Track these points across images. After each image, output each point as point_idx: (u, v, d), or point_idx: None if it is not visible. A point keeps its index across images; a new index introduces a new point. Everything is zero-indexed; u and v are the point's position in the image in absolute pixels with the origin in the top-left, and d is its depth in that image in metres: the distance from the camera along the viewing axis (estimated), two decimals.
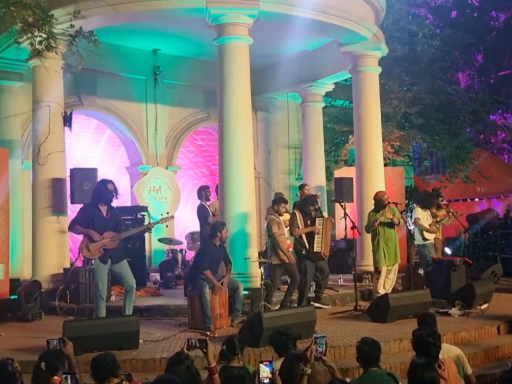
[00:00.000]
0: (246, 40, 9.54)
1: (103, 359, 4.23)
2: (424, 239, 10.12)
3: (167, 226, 10.97)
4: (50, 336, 4.85)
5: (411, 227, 10.72)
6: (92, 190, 7.95)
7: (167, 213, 10.07)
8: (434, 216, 10.40)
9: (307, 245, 8.86)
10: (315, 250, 8.85)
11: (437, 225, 10.33)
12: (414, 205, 11.61)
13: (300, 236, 8.92)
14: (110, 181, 7.63)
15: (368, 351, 4.37)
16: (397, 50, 14.03)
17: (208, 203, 10.18)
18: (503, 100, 18.27)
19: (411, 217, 11.02)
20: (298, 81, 13.24)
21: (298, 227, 8.92)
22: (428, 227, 10.01)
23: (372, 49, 11.42)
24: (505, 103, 18.82)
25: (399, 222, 9.49)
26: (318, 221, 8.96)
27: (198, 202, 10.31)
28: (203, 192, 10.26)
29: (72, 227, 7.62)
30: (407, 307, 8.08)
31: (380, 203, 9.48)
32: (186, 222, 13.37)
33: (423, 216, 10.06)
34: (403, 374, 5.44)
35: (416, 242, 10.33)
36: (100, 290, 7.46)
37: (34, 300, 8.81)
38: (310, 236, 8.90)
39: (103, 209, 7.47)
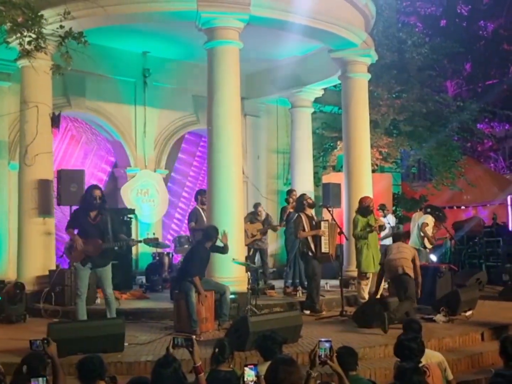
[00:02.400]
0: (236, 44, 9.55)
1: (90, 361, 4.19)
2: (423, 245, 10.26)
3: (154, 234, 11.03)
4: (34, 338, 4.80)
5: (415, 231, 10.77)
6: (82, 195, 7.96)
7: (154, 233, 10.27)
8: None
9: (313, 247, 8.99)
10: (323, 250, 9.08)
11: (437, 239, 10.54)
12: (417, 213, 11.82)
13: (306, 239, 9.06)
14: (96, 187, 7.64)
15: (344, 357, 4.38)
16: (386, 57, 14.10)
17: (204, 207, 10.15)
18: (490, 109, 18.38)
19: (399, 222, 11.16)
20: (287, 86, 13.28)
21: (304, 230, 9.03)
22: (430, 236, 10.13)
23: (361, 55, 11.48)
24: (492, 112, 18.93)
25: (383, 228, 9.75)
26: (323, 224, 9.22)
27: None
28: (199, 197, 10.29)
29: (67, 230, 7.70)
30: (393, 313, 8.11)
31: (367, 209, 9.54)
32: None
33: (431, 225, 10.16)
34: (387, 379, 5.48)
35: (412, 244, 10.41)
36: (78, 289, 7.48)
37: (19, 302, 8.75)
38: (316, 238, 9.09)
39: (92, 213, 7.46)
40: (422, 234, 10.35)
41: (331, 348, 3.86)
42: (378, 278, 8.79)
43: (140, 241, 8.26)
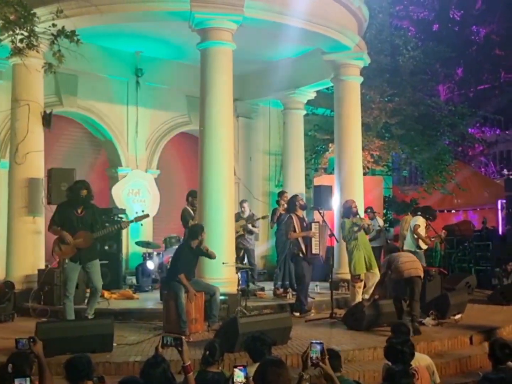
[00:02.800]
0: (229, 45, 9.55)
1: (78, 361, 4.16)
2: (418, 247, 10.30)
3: (141, 225, 10.99)
4: (20, 337, 4.77)
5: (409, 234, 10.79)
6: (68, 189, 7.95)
7: (142, 211, 10.09)
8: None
9: (303, 248, 9.00)
10: (313, 251, 9.13)
11: (432, 239, 10.54)
12: (407, 217, 11.81)
13: (297, 240, 9.09)
14: (83, 182, 7.64)
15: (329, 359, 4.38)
16: (379, 60, 14.15)
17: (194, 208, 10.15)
18: (482, 114, 18.50)
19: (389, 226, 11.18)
20: (280, 88, 13.28)
21: (294, 231, 9.05)
22: (424, 237, 10.14)
23: (354, 58, 11.51)
24: (483, 116, 19.06)
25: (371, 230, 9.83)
26: (314, 225, 9.26)
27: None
28: (190, 198, 10.30)
29: (50, 228, 7.66)
30: (382, 316, 8.13)
31: (349, 210, 9.60)
32: None
33: (423, 226, 10.18)
34: (376, 381, 5.50)
35: (406, 247, 10.47)
36: (67, 289, 7.47)
37: (7, 301, 8.70)
38: (307, 239, 9.13)
39: (79, 208, 7.46)
40: (415, 236, 10.37)
41: (323, 350, 3.86)
42: (378, 284, 8.59)
43: (132, 221, 8.14)
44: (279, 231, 10.51)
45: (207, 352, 4.71)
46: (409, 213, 12.31)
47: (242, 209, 11.28)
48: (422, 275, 8.29)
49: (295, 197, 9.65)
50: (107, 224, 8.51)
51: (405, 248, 10.62)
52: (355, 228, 9.38)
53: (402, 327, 5.64)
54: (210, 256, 8.15)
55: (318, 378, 4.03)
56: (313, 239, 9.16)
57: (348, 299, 9.80)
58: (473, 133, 20.99)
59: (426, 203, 13.85)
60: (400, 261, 8.17)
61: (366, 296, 9.64)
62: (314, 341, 3.91)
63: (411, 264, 8.22)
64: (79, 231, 7.43)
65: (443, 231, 11.66)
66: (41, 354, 4.29)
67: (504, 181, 16.64)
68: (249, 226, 11.12)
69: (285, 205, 10.69)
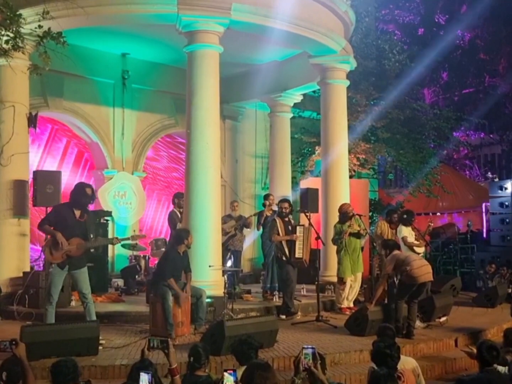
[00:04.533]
0: (216, 48, 9.56)
1: (64, 364, 4.13)
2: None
3: (136, 244, 10.88)
4: (2, 339, 4.72)
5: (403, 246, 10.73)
6: (71, 191, 7.51)
7: (140, 230, 9.95)
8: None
9: (287, 252, 9.02)
10: (297, 256, 9.13)
11: (423, 239, 10.48)
12: (381, 221, 11.67)
13: (281, 243, 9.11)
14: (89, 185, 7.49)
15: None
16: (365, 64, 14.23)
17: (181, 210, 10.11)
18: (466, 118, 18.66)
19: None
20: (267, 91, 13.31)
21: (278, 234, 9.06)
22: (416, 242, 10.12)
23: (340, 62, 11.56)
24: (468, 120, 19.22)
25: (366, 234, 9.68)
26: (299, 229, 9.26)
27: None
28: (176, 200, 10.29)
29: (41, 226, 7.32)
30: (380, 321, 8.04)
31: (345, 215, 9.63)
32: None
33: (409, 233, 10.14)
34: None
35: None
36: (51, 295, 7.24)
37: None
38: (290, 243, 9.13)
39: (77, 212, 7.26)
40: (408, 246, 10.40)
41: (314, 355, 3.86)
42: (380, 287, 8.24)
43: (128, 239, 8.01)
44: (264, 234, 10.51)
45: (192, 358, 4.70)
46: (380, 218, 12.18)
47: (234, 207, 11.29)
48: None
49: (283, 203, 9.63)
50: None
51: None
52: (337, 236, 9.48)
53: (387, 330, 5.66)
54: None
55: (304, 381, 4.03)
56: (296, 243, 9.17)
57: (334, 302, 9.87)
58: (458, 137, 21.14)
59: (412, 206, 13.93)
60: (416, 265, 7.91)
61: (350, 298, 9.72)
62: (305, 346, 3.92)
63: (426, 268, 8.04)
64: (74, 236, 7.18)
65: (429, 221, 11.52)
66: (23, 356, 4.24)
67: (489, 184, 16.77)
68: (243, 226, 11.17)
69: (272, 208, 10.71)
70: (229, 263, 10.68)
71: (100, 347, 6.86)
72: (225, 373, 3.56)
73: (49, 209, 8.75)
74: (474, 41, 25.56)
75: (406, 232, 10.02)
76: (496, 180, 16.52)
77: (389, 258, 8.15)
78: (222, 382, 3.54)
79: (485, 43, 25.32)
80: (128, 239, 8.03)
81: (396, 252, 8.22)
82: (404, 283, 8.03)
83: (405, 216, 10.17)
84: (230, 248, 10.98)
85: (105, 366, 6.30)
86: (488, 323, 9.09)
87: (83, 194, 7.26)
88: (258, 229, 11.14)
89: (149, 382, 3.55)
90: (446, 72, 25.14)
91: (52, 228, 7.23)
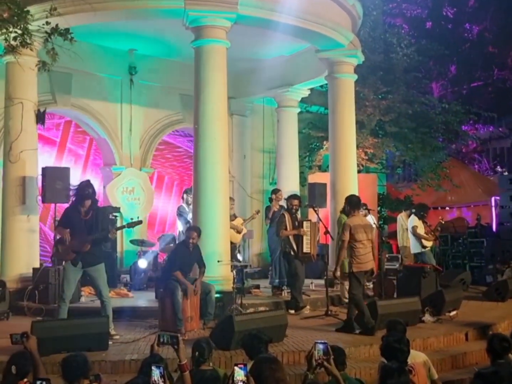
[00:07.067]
0: (223, 43, 9.54)
1: (74, 359, 4.16)
2: (423, 246, 10.36)
3: (144, 240, 10.96)
4: (14, 333, 4.77)
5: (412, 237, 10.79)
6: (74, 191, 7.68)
7: (138, 217, 10.02)
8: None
9: (295, 247, 9.01)
10: (305, 250, 9.15)
11: (432, 233, 10.53)
12: (402, 214, 11.84)
13: (288, 238, 9.10)
14: (88, 182, 7.54)
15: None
16: (373, 58, 14.16)
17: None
18: (475, 111, 18.53)
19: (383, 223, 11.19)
20: (274, 86, 13.28)
21: (286, 229, 9.05)
22: (425, 235, 10.16)
23: (348, 56, 11.51)
24: (477, 113, 19.08)
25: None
26: (305, 224, 9.28)
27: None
28: (185, 195, 10.34)
29: (57, 228, 7.61)
30: (395, 315, 7.97)
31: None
32: None
33: (420, 225, 10.19)
34: (372, 379, 5.50)
35: (414, 251, 10.58)
36: (64, 292, 7.30)
37: (2, 300, 8.67)
38: (298, 237, 9.14)
39: (83, 210, 7.33)
40: (417, 237, 10.47)
41: (327, 350, 3.84)
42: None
43: (124, 227, 8.05)
44: (271, 229, 10.49)
45: (197, 353, 4.71)
46: (403, 210, 12.36)
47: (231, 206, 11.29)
48: None
49: (291, 199, 9.62)
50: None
51: (412, 251, 10.76)
52: None
53: (398, 325, 5.64)
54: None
55: (316, 375, 4.02)
56: (304, 238, 9.17)
57: (341, 296, 9.86)
58: (466, 130, 21.04)
59: (420, 201, 13.89)
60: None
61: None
62: (318, 341, 3.89)
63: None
64: (78, 233, 7.25)
65: (440, 217, 11.61)
66: (35, 349, 4.29)
67: (498, 178, 16.68)
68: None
69: (279, 203, 10.71)
70: (240, 258, 10.72)
71: (110, 342, 6.89)
72: (236, 367, 3.54)
73: (58, 205, 8.85)
74: (482, 34, 25.39)
75: (417, 223, 10.10)
76: (506, 173, 16.43)
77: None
78: (233, 376, 3.52)
79: (493, 36, 25.15)
80: (124, 226, 8.06)
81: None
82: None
83: (420, 209, 10.52)
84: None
85: (115, 361, 6.33)
86: (498, 317, 9.04)
87: (82, 191, 7.34)
88: (266, 224, 11.14)
89: (160, 376, 3.54)
90: (454, 65, 25.00)
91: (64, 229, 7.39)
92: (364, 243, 7.86)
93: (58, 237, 7.55)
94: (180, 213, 10.46)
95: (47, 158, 12.15)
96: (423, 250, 10.50)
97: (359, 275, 7.84)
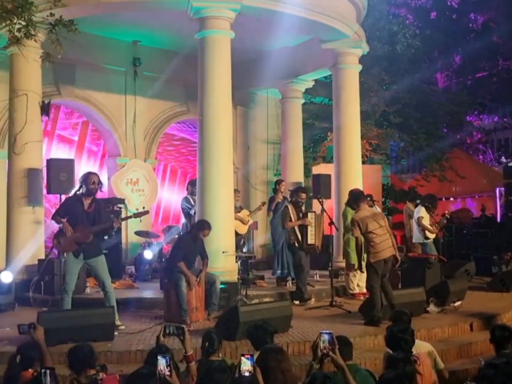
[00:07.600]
0: (227, 34, 9.51)
1: (80, 350, 4.20)
2: (426, 237, 10.39)
3: (141, 221, 10.91)
4: (22, 323, 4.81)
5: (415, 227, 10.82)
6: (79, 181, 7.64)
7: (143, 207, 10.03)
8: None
9: (300, 238, 9.03)
10: (309, 242, 9.17)
11: (436, 225, 10.56)
12: (408, 204, 11.88)
13: (293, 229, 9.10)
14: (94, 174, 7.53)
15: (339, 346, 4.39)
16: (377, 49, 14.11)
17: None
18: (480, 102, 18.49)
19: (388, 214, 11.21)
20: (278, 77, 13.22)
21: (291, 220, 9.07)
22: (429, 227, 10.19)
23: (353, 47, 11.48)
24: (482, 104, 19.03)
25: None
26: (310, 215, 9.27)
27: None
28: (190, 187, 10.37)
29: (53, 217, 7.49)
30: (400, 306, 7.99)
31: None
32: None
33: (426, 216, 10.21)
34: (377, 369, 5.52)
35: (415, 240, 10.60)
36: (67, 283, 7.29)
37: (8, 291, 8.71)
38: (302, 229, 9.13)
39: (86, 202, 7.33)
40: (421, 227, 10.48)
41: (332, 340, 3.85)
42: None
43: (130, 217, 7.97)
44: (274, 220, 10.48)
45: (207, 343, 4.74)
46: (407, 201, 12.37)
47: (235, 199, 11.28)
48: None
49: (298, 190, 9.62)
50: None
51: (414, 241, 10.80)
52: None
53: (403, 316, 5.65)
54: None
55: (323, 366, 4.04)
56: (309, 229, 9.19)
57: (346, 287, 9.89)
58: (471, 121, 20.98)
59: (425, 191, 13.89)
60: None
61: (361, 284, 9.70)
62: (323, 331, 3.90)
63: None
64: (80, 224, 7.25)
65: (446, 212, 11.65)
66: (42, 340, 4.32)
67: (503, 168, 16.64)
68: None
69: (283, 194, 10.71)
70: (244, 249, 10.74)
71: (116, 333, 6.93)
72: (243, 358, 3.57)
73: (63, 197, 8.85)
74: (487, 24, 25.22)
75: (423, 213, 10.13)
76: (511, 164, 16.39)
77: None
78: (240, 366, 3.54)
79: (499, 26, 24.98)
80: (130, 217, 7.98)
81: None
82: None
83: (428, 200, 10.56)
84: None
85: (121, 352, 6.37)
86: (503, 307, 9.05)
87: (88, 182, 7.30)
88: (268, 215, 11.14)
89: (166, 365, 3.57)
90: (459, 56, 24.86)
91: (62, 219, 7.34)
92: (377, 232, 7.80)
93: (58, 230, 7.50)
94: (185, 205, 10.47)
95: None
96: (425, 241, 10.52)
97: (378, 265, 7.71)
